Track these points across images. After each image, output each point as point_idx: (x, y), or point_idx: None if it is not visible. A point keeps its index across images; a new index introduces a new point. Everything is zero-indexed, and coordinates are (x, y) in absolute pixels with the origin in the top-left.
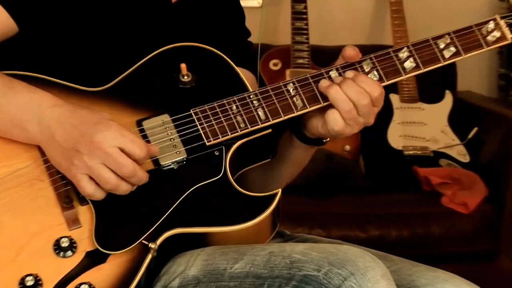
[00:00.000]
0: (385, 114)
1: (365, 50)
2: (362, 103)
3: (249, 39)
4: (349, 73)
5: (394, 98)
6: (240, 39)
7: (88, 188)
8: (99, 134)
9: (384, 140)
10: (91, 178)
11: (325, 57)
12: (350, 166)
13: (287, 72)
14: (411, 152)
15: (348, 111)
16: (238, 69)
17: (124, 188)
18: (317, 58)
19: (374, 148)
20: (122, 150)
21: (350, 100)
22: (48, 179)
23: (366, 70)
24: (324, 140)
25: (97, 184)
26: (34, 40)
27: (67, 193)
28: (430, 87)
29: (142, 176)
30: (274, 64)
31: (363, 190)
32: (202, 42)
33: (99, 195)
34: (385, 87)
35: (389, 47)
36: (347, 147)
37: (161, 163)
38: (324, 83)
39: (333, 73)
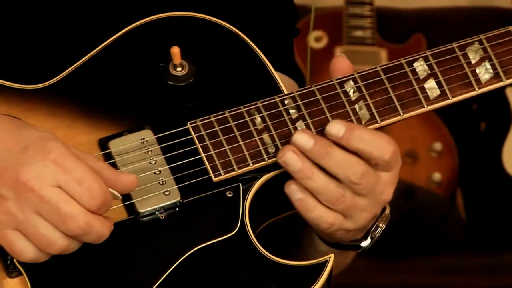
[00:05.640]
0: (500, 123)
1: (468, 16)
2: (353, 180)
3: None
4: (335, 127)
5: None
6: (282, 28)
7: (26, 251)
8: (29, 168)
9: (497, 164)
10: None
11: (399, 27)
12: (441, 208)
13: (338, 50)
14: None
15: (337, 200)
16: (265, 58)
17: (76, 247)
18: (386, 28)
19: (481, 177)
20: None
21: (338, 180)
22: None
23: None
24: (362, 245)
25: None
26: None
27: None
28: None
29: (101, 231)
30: (317, 39)
31: (462, 247)
32: (211, 15)
33: (46, 257)
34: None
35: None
36: (437, 176)
37: (139, 210)
38: (292, 159)
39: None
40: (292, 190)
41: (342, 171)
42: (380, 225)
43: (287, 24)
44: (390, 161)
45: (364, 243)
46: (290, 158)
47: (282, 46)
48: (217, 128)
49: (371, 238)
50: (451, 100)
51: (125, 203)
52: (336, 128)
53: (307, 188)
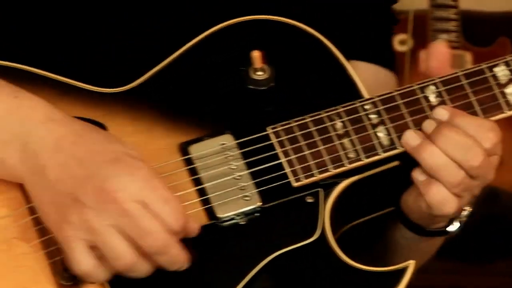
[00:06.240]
0: None
1: None
2: (473, 165)
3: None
4: (441, 112)
5: None
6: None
7: (83, 263)
8: (116, 180)
9: None
10: (91, 246)
11: (484, 30)
12: None
13: (423, 55)
14: None
15: (458, 183)
16: (345, 62)
17: (141, 270)
18: (471, 32)
19: None
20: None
21: (456, 163)
22: (37, 239)
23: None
24: (449, 229)
25: (98, 257)
26: (16, 16)
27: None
28: None
29: (177, 255)
30: (401, 42)
31: None
32: (294, 17)
33: (100, 276)
34: None
35: None
36: None
37: (219, 215)
38: (410, 138)
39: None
40: (417, 173)
41: (461, 153)
42: (468, 208)
43: (386, 11)
44: (497, 144)
45: (451, 228)
46: (409, 135)
47: (380, 33)
48: (298, 133)
49: (460, 222)
50: None
51: (205, 207)
52: (441, 113)
53: (428, 166)
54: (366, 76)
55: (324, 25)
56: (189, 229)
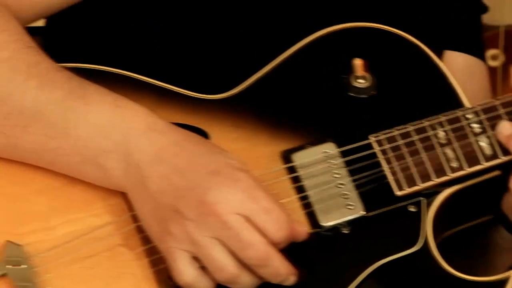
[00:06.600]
0: None
1: None
2: None
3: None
4: None
5: None
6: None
7: (186, 273)
8: (217, 192)
9: None
10: (193, 257)
11: None
12: None
13: None
14: None
15: None
16: (446, 70)
17: (245, 282)
18: None
19: None
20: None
21: None
22: (141, 247)
23: None
24: None
25: (201, 268)
26: (112, 17)
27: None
28: None
29: (279, 266)
30: (492, 58)
31: None
32: (392, 21)
33: (202, 287)
34: None
35: None
36: None
37: (323, 224)
38: (504, 128)
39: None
40: None
41: None
42: None
43: (474, 0)
44: None
45: None
46: (504, 124)
47: (469, 22)
48: (400, 142)
49: None
50: None
51: (308, 216)
52: None
53: None
54: (457, 66)
55: (414, 16)
56: (296, 234)
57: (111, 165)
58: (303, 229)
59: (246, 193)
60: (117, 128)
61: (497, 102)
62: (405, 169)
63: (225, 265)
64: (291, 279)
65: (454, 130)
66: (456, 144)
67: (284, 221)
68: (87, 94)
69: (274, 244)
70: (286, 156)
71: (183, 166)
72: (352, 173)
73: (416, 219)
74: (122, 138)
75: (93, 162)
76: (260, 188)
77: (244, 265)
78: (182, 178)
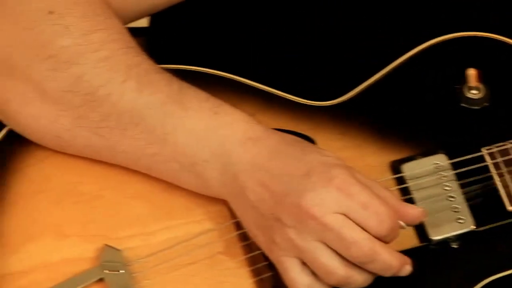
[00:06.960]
0: None
1: None
2: None
3: None
4: None
5: None
6: None
7: (299, 282)
8: (311, 194)
9: None
10: (304, 264)
11: None
12: None
13: None
14: None
15: None
16: None
17: (358, 281)
18: None
19: None
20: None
21: None
22: (243, 256)
23: None
24: None
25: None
26: (217, 18)
27: (277, 282)
28: None
29: (388, 259)
30: None
31: None
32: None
33: None
34: None
35: None
36: None
37: (432, 238)
38: None
39: None
40: None
41: None
42: None
43: None
44: None
45: None
46: None
47: None
48: None
49: None
50: None
51: (417, 228)
52: None
53: None
54: None
55: None
56: (408, 217)
57: (210, 175)
58: (415, 210)
59: (341, 190)
60: (215, 137)
61: None
62: None
63: (334, 268)
64: (407, 269)
65: None
66: None
67: (384, 213)
68: (185, 99)
69: (379, 238)
70: (396, 167)
71: (277, 171)
72: (463, 186)
73: None
74: (219, 146)
75: (191, 170)
76: (356, 183)
77: (353, 264)
78: (278, 183)
